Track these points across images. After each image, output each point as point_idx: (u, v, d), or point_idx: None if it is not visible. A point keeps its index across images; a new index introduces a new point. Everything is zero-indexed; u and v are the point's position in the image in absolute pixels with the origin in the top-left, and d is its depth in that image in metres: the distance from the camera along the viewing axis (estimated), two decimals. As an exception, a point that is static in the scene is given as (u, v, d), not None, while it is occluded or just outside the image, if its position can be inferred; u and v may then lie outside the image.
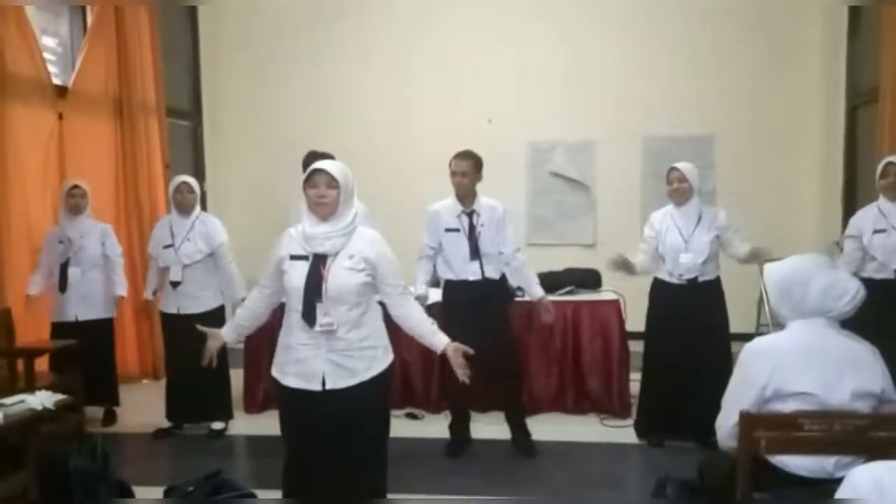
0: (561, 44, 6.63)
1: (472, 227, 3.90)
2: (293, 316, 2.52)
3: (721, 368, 3.82)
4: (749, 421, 2.13)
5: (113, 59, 5.48)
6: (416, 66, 6.78)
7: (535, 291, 3.97)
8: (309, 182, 2.50)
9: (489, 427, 4.30)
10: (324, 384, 2.49)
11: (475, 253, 3.88)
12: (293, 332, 2.53)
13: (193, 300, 4.22)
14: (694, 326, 3.85)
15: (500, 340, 3.93)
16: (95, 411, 4.54)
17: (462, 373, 2.60)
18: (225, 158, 6.89)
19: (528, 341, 4.64)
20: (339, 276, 2.47)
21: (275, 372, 2.61)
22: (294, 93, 6.93)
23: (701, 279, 3.91)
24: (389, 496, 3.33)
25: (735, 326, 6.04)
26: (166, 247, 4.24)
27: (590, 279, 5.05)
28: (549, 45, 6.64)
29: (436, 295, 4.71)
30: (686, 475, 2.67)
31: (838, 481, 2.02)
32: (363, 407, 2.54)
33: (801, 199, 6.48)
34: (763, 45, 6.46)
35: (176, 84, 6.40)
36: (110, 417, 4.64)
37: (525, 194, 6.80)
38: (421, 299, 3.90)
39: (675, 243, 3.92)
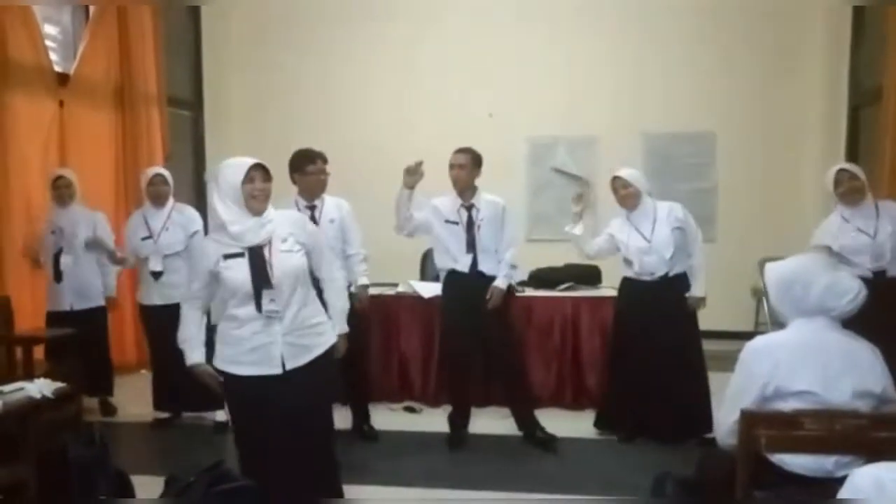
0: (563, 40, 6.61)
1: (470, 221, 3.95)
2: (241, 310, 2.56)
3: (692, 361, 3.94)
4: (750, 419, 2.13)
5: (114, 48, 5.46)
6: (418, 62, 6.76)
7: (499, 281, 3.94)
8: (247, 177, 2.57)
9: (487, 422, 4.31)
10: (283, 366, 2.57)
11: (471, 246, 3.94)
12: (245, 324, 2.56)
13: (175, 289, 4.21)
14: (664, 320, 3.89)
15: (497, 336, 3.96)
16: (91, 401, 4.53)
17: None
18: (226, 149, 6.84)
19: (527, 336, 4.66)
20: (281, 261, 2.57)
21: (223, 365, 2.61)
22: (296, 84, 6.91)
23: (672, 273, 3.95)
24: (381, 487, 3.38)
25: (734, 325, 6.13)
26: (144, 238, 4.23)
27: (589, 275, 5.06)
28: (551, 41, 6.62)
29: (427, 289, 4.75)
30: (684, 472, 2.67)
31: (838, 480, 2.03)
32: (322, 381, 2.66)
33: (801, 199, 6.47)
34: (765, 42, 6.45)
35: (177, 73, 6.38)
36: (107, 407, 4.63)
37: (526, 190, 6.80)
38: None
39: (639, 245, 3.95)
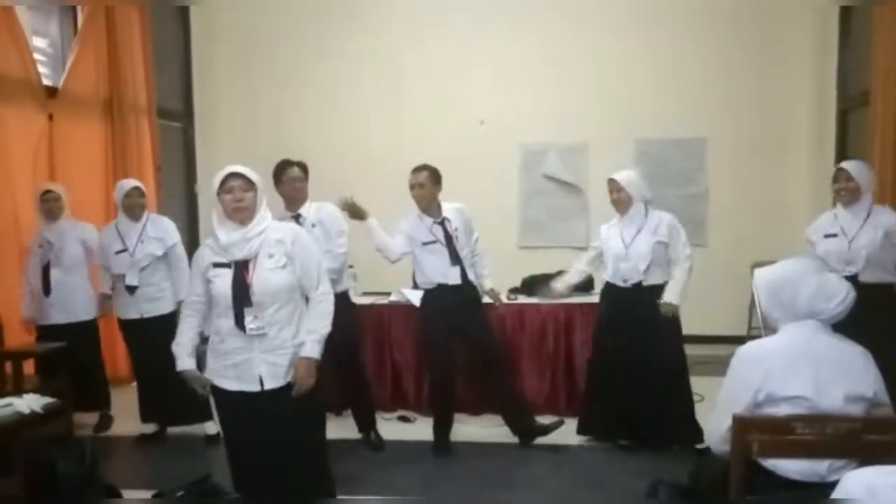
0: (554, 46, 6.62)
1: (447, 236, 4.02)
2: (223, 322, 2.55)
3: (670, 370, 3.93)
4: (742, 424, 2.13)
5: (103, 60, 5.44)
6: (409, 71, 6.76)
7: (485, 283, 4.22)
8: (223, 188, 2.53)
9: (480, 429, 4.30)
10: (262, 385, 2.53)
11: (455, 259, 4.02)
12: (226, 338, 2.55)
13: (154, 303, 4.19)
14: (641, 327, 3.89)
15: (482, 339, 4.07)
16: (84, 415, 4.48)
17: (297, 389, 2.56)
18: (217, 160, 6.84)
19: (520, 343, 4.66)
20: (263, 279, 2.51)
21: (210, 376, 2.64)
22: (287, 95, 6.90)
23: (645, 283, 3.94)
24: (370, 497, 3.36)
25: (727, 329, 6.14)
26: (118, 252, 4.19)
27: (582, 281, 5.03)
28: (543, 47, 6.63)
29: (419, 297, 4.74)
30: (677, 478, 2.66)
31: (831, 485, 2.02)
32: (300, 404, 2.56)
33: (791, 203, 6.49)
34: (754, 48, 6.48)
35: (167, 85, 6.36)
36: (104, 422, 4.56)
37: (518, 197, 6.80)
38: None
39: (616, 251, 3.97)
